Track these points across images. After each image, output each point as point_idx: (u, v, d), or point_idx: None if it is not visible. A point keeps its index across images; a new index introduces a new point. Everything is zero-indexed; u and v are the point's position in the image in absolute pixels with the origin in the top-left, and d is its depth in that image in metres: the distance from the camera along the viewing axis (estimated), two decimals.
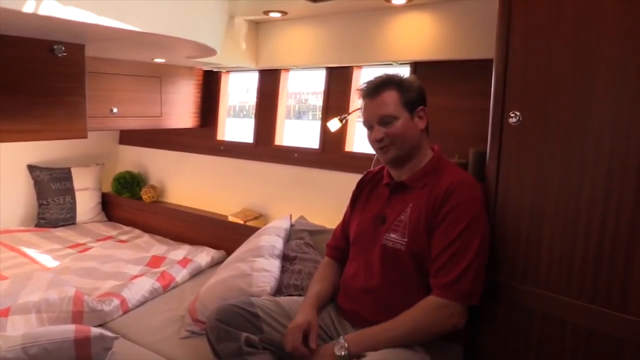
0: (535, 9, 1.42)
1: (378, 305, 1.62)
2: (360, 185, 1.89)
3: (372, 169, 1.90)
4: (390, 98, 1.62)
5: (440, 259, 1.50)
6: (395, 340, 1.48)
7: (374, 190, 1.81)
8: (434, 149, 1.72)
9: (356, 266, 1.74)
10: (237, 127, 4.01)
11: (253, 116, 3.38)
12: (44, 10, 1.36)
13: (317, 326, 1.65)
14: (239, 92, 4.13)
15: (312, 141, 3.05)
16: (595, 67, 1.31)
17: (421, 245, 1.56)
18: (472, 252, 1.47)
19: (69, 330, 1.73)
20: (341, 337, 1.51)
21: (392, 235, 1.61)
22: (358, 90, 1.70)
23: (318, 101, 3.06)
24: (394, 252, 1.60)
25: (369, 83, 1.67)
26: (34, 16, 1.38)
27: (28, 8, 1.34)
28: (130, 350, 2.03)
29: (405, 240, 1.58)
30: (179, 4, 1.86)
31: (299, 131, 4.33)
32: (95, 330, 1.78)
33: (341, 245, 1.90)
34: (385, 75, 1.67)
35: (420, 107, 1.65)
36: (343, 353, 1.46)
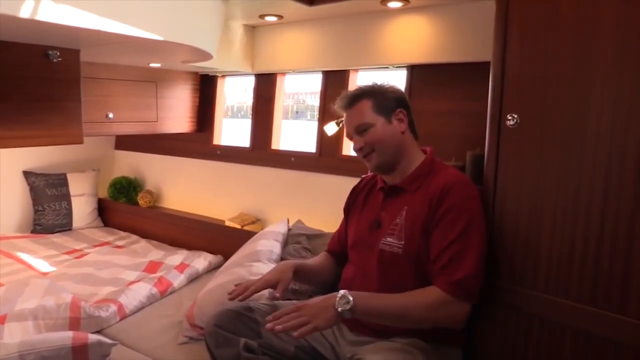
0: (532, 12, 1.43)
1: None
2: (353, 193, 1.89)
3: (367, 174, 1.89)
4: (363, 106, 1.64)
5: (443, 257, 1.48)
6: (398, 321, 1.49)
7: (369, 195, 1.81)
8: (427, 151, 1.72)
9: (354, 271, 1.73)
10: (235, 128, 4.00)
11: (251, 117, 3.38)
12: (40, 16, 1.36)
13: (287, 282, 1.68)
14: (237, 92, 4.14)
15: (310, 142, 3.04)
16: (593, 69, 1.31)
17: (418, 248, 1.56)
18: (476, 250, 1.47)
19: (66, 337, 1.72)
20: (345, 291, 1.43)
21: (389, 239, 1.61)
22: (337, 103, 1.72)
23: (316, 101, 3.06)
24: (391, 256, 1.60)
25: (343, 96, 1.70)
26: (30, 21, 1.37)
27: (25, 13, 1.33)
28: (128, 356, 2.02)
29: (402, 243, 1.57)
30: (175, 9, 1.86)
31: (297, 132, 4.31)
32: (93, 337, 1.77)
33: (336, 249, 1.92)
34: (358, 87, 1.71)
35: (398, 110, 1.66)
36: (347, 308, 1.40)
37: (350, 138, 1.71)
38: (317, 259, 1.94)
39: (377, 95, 1.66)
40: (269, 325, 1.39)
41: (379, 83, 1.70)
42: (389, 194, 1.70)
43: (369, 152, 1.64)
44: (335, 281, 1.87)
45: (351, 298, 1.41)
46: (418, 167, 1.66)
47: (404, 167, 1.67)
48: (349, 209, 1.89)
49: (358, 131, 1.65)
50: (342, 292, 1.43)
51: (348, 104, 1.68)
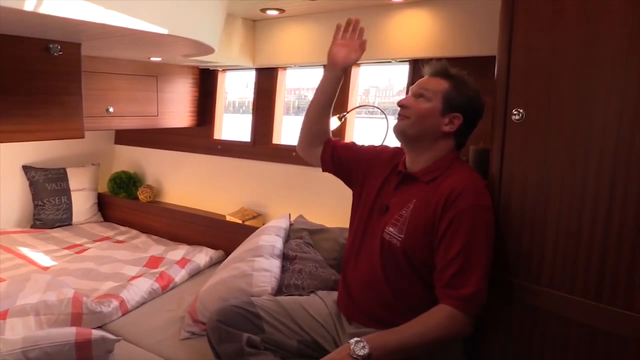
0: (538, 5, 1.41)
1: (372, 296, 1.62)
2: (380, 154, 1.83)
3: (396, 147, 1.83)
4: (440, 84, 1.60)
5: (448, 269, 1.45)
6: (417, 350, 1.44)
7: (390, 176, 1.74)
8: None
9: (359, 254, 1.71)
10: (237, 123, 3.98)
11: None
12: (44, 9, 1.34)
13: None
14: (239, 87, 4.12)
15: None
16: (599, 62, 1.30)
17: (416, 245, 1.54)
18: (481, 265, 1.45)
19: (69, 333, 1.71)
20: (356, 338, 1.40)
21: (391, 229, 1.59)
22: (426, 64, 1.69)
23: None
24: (389, 246, 1.58)
25: (437, 63, 1.66)
26: (32, 14, 1.36)
27: (29, 6, 1.32)
28: (131, 352, 2.01)
29: (402, 236, 1.56)
30: (177, 2, 1.84)
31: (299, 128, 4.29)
32: (96, 333, 1.77)
33: (336, 146, 1.92)
34: (454, 69, 1.64)
35: (457, 114, 1.59)
36: (365, 352, 1.36)
37: (407, 93, 1.66)
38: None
39: (457, 85, 1.60)
40: None
41: (464, 75, 1.64)
42: (403, 180, 1.66)
43: (407, 115, 1.61)
44: (309, 134, 1.94)
45: (366, 342, 1.37)
46: (438, 160, 1.61)
47: (426, 159, 1.62)
48: (377, 156, 1.83)
49: (417, 94, 1.61)
50: (353, 339, 1.39)
51: (432, 73, 1.64)
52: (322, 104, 1.86)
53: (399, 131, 1.64)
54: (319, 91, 1.85)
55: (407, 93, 1.69)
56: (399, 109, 1.65)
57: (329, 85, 1.82)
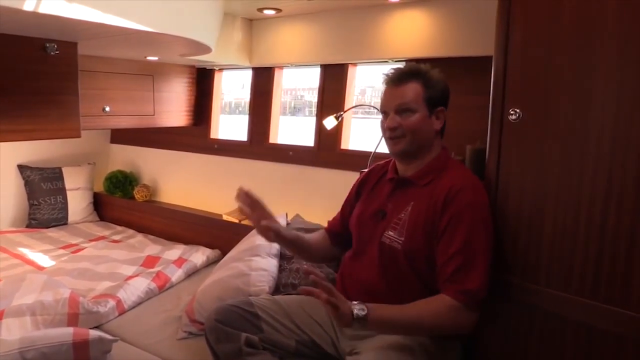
0: (535, 5, 1.42)
1: (371, 300, 1.61)
2: (368, 175, 1.85)
3: (379, 162, 1.86)
4: (414, 90, 1.58)
5: (450, 264, 1.47)
6: (413, 331, 1.47)
7: (377, 183, 1.78)
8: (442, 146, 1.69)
9: (356, 260, 1.72)
10: (233, 124, 3.98)
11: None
12: (43, 8, 1.34)
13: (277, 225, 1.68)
14: (235, 88, 4.11)
15: (308, 138, 3.03)
16: (595, 63, 1.31)
17: (417, 246, 1.55)
18: (482, 260, 1.46)
19: (66, 333, 1.71)
20: (359, 301, 1.42)
21: (390, 233, 1.60)
22: (384, 74, 1.65)
23: (313, 97, 3.05)
24: (390, 250, 1.59)
25: (395, 70, 1.63)
26: (30, 14, 1.35)
27: (28, 6, 1.31)
28: (128, 352, 2.01)
29: (402, 239, 1.57)
30: (173, 2, 1.84)
31: (296, 128, 4.30)
32: (94, 333, 1.76)
33: (336, 229, 1.89)
34: (413, 65, 1.64)
35: (440, 108, 1.62)
36: (362, 314, 1.37)
37: (385, 114, 1.64)
38: (315, 236, 1.91)
39: (429, 83, 1.60)
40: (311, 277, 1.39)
41: (428, 69, 1.63)
42: (398, 185, 1.68)
43: (400, 135, 1.59)
44: (327, 260, 1.93)
45: (365, 305, 1.39)
46: (431, 161, 1.63)
47: (420, 162, 1.64)
48: (361, 186, 1.84)
49: (399, 110, 1.58)
50: (356, 301, 1.41)
51: (397, 80, 1.61)
52: (300, 252, 1.88)
53: (400, 152, 1.63)
54: (289, 249, 1.97)
55: (383, 114, 1.65)
56: None
57: (287, 246, 1.87)
